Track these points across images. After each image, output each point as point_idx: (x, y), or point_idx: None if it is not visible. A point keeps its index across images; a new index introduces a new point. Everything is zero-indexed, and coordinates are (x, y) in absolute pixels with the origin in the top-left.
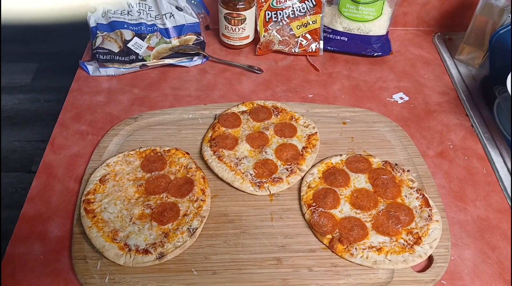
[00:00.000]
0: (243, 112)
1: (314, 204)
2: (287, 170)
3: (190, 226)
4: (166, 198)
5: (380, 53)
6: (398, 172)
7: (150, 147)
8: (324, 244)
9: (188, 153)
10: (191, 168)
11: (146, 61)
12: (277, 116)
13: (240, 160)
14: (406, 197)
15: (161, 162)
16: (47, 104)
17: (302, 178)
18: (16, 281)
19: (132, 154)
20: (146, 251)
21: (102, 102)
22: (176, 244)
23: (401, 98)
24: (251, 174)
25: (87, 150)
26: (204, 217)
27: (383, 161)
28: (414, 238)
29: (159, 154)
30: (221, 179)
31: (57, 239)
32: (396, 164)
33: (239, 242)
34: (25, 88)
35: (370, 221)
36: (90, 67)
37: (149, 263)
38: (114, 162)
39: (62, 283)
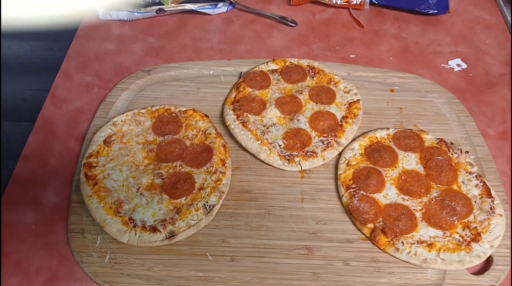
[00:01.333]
0: (273, 71)
1: (353, 185)
2: (323, 143)
3: (207, 202)
4: (180, 167)
5: (436, 11)
6: (455, 153)
7: (164, 106)
8: (364, 234)
9: (207, 116)
10: (210, 133)
11: (163, 4)
12: (313, 78)
13: (268, 128)
14: (463, 183)
15: (176, 124)
16: (60, 53)
17: (340, 154)
18: (4, 253)
19: (143, 113)
20: (154, 229)
21: (111, 50)
22: (189, 223)
23: (458, 65)
24: (279, 145)
25: (92, 105)
26: (223, 192)
27: (437, 138)
28: (472, 234)
29: (174, 114)
30: (245, 149)
31: (52, 207)
32: (452, 143)
33: (263, 224)
34: (38, 35)
35: (420, 210)
36: (100, 9)
37: (157, 243)
38: (121, 121)
39: (56, 259)
